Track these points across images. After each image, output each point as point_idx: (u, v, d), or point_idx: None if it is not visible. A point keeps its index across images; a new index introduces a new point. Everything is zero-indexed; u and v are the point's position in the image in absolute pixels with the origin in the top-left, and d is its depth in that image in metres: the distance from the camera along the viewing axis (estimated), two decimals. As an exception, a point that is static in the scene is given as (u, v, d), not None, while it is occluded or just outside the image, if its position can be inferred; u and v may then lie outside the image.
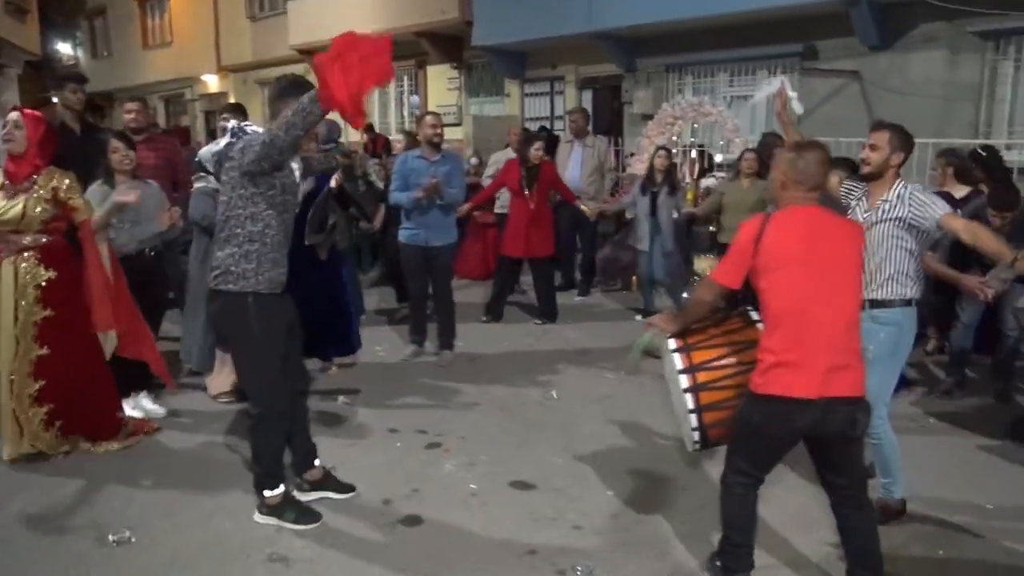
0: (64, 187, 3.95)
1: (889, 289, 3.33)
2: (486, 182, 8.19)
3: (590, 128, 8.68)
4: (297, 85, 3.32)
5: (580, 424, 4.69)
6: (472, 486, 3.86)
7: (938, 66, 9.04)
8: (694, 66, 11.63)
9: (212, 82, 20.94)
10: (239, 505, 3.60)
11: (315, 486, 3.70)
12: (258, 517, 3.47)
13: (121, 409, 4.37)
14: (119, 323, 4.15)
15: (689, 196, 8.35)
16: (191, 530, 3.42)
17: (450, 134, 13.57)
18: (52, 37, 24.64)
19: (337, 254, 5.31)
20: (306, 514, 3.47)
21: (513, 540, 3.35)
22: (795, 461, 3.62)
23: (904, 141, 3.36)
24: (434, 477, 3.97)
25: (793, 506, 3.59)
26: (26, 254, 3.95)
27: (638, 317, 7.16)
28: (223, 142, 3.37)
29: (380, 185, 6.98)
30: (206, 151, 4.69)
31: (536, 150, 6.92)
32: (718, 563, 2.99)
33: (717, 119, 8.99)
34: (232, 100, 18.22)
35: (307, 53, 16.48)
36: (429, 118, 5.83)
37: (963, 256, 4.61)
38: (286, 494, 3.50)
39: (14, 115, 3.95)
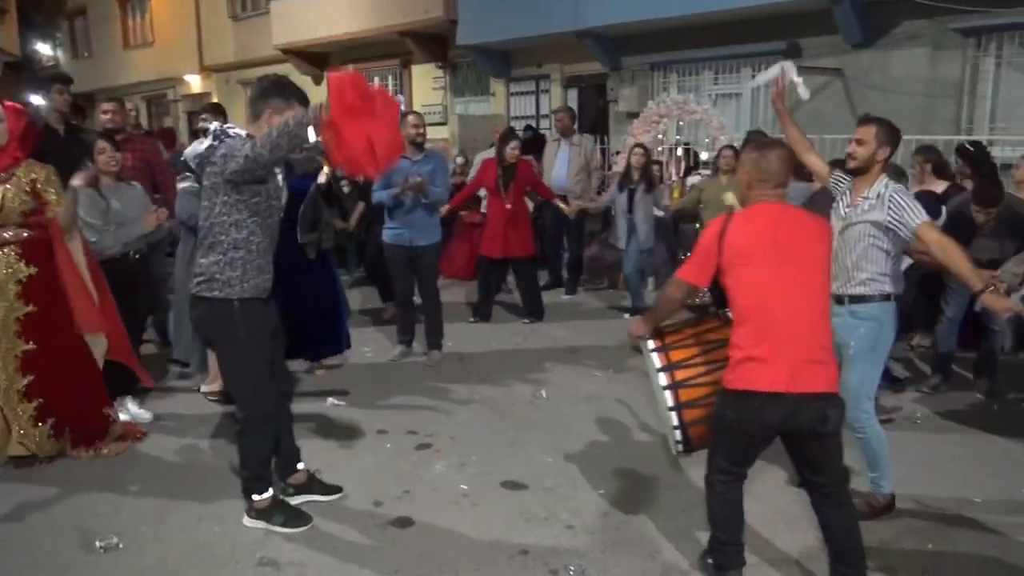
0: (41, 179, 3.92)
1: (867, 286, 3.34)
2: (473, 181, 8.17)
3: (576, 127, 8.68)
4: (279, 86, 3.28)
5: (570, 423, 4.69)
6: (463, 487, 3.84)
7: (921, 63, 9.12)
8: (679, 64, 11.66)
9: (195, 82, 20.77)
10: (227, 509, 3.56)
11: (299, 490, 3.66)
12: (247, 521, 3.44)
13: (111, 406, 4.32)
14: (104, 325, 4.11)
15: (676, 194, 8.38)
16: (179, 535, 3.39)
17: (436, 133, 13.58)
18: (31, 37, 24.37)
19: (325, 253, 5.28)
20: (295, 517, 3.44)
21: (505, 540, 3.34)
22: (781, 458, 3.62)
23: (891, 136, 3.36)
24: (425, 478, 3.96)
25: (779, 503, 3.60)
26: (6, 249, 3.92)
27: (626, 316, 7.18)
28: (205, 144, 3.32)
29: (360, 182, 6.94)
30: (191, 151, 4.65)
31: (512, 149, 6.83)
32: (710, 561, 3.00)
33: (702, 117, 9.01)
34: (215, 100, 18.09)
35: (290, 53, 16.41)
36: (411, 118, 5.80)
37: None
38: (274, 498, 3.47)
39: None
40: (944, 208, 5.14)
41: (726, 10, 9.81)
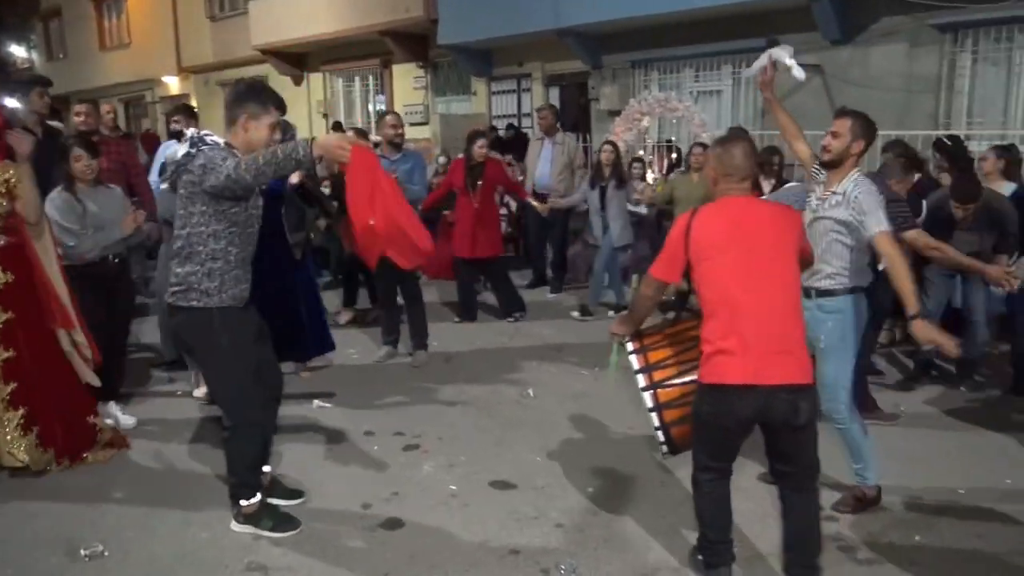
0: (13, 179, 3.86)
1: (832, 279, 3.36)
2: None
3: (559, 125, 8.68)
4: (254, 91, 3.25)
5: (557, 422, 4.69)
6: (452, 487, 3.83)
7: (898, 59, 9.21)
8: (660, 62, 11.72)
9: (173, 84, 20.60)
10: (214, 515, 3.53)
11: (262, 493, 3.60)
12: (235, 526, 3.41)
13: (96, 414, 4.26)
14: (78, 321, 4.06)
15: (659, 189, 8.40)
16: (166, 542, 3.35)
17: (418, 133, 13.57)
18: (5, 39, 24.10)
19: (305, 255, 5.25)
20: (284, 521, 3.41)
21: (495, 540, 3.33)
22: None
23: (866, 129, 3.36)
24: (413, 479, 3.94)
25: (768, 497, 3.59)
26: None
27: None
28: (182, 150, 3.26)
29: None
30: (173, 152, 4.59)
31: (479, 148, 6.75)
32: (700, 558, 3.01)
33: (684, 114, 9.06)
34: (194, 102, 17.95)
35: (269, 53, 16.29)
36: (389, 118, 5.85)
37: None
38: (262, 502, 3.44)
39: None
40: (924, 203, 5.19)
41: (706, 7, 9.88)
